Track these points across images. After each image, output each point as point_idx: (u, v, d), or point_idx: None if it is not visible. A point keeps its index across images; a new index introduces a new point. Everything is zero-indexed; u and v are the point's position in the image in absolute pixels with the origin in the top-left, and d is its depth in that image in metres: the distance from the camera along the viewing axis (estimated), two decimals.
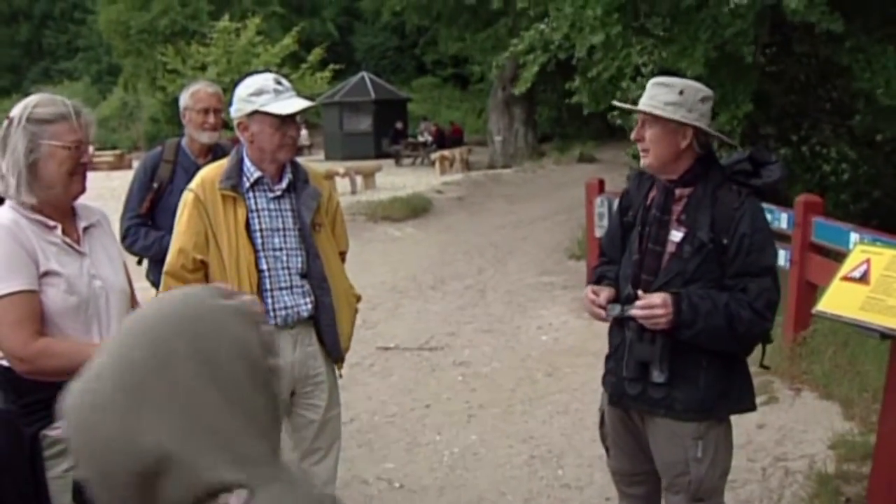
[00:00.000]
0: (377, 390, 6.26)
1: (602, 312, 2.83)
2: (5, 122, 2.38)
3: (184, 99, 4.28)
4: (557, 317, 8.14)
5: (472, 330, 7.89)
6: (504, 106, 26.34)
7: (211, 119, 4.21)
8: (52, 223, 2.44)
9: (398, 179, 21.98)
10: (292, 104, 3.03)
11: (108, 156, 32.61)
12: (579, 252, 10.71)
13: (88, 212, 2.63)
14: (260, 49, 22.05)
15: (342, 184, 19.61)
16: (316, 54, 22.03)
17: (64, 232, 2.47)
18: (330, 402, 3.31)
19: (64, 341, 2.38)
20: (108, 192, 17.56)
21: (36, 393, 2.34)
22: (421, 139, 30.38)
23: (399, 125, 31.38)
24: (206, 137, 4.24)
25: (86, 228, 2.57)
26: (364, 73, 34.15)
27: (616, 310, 2.78)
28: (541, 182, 19.80)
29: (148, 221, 4.26)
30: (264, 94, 3.01)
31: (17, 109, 2.38)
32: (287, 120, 3.04)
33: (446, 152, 25.76)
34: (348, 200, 16.74)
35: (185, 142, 4.33)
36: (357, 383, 6.39)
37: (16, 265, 2.32)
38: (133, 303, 2.73)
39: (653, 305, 2.64)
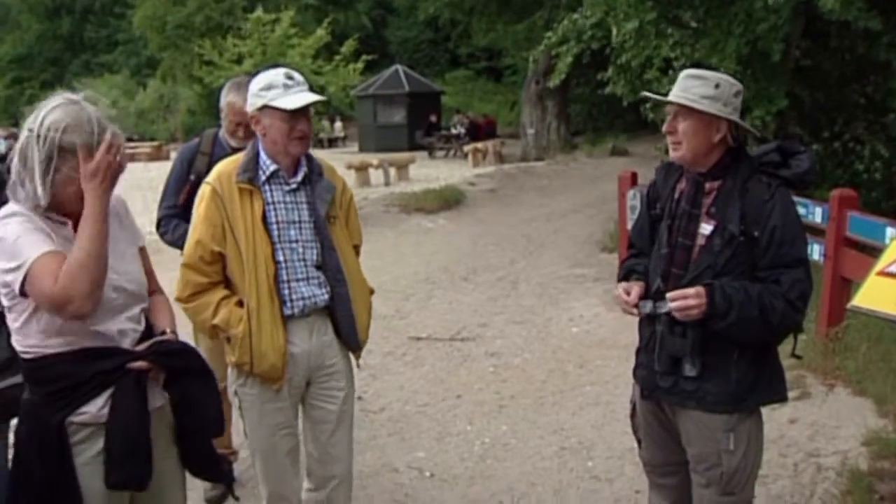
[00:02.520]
0: (409, 380, 6.30)
1: (634, 311, 2.84)
2: (25, 134, 2.35)
3: (223, 99, 4.27)
4: (589, 309, 8.13)
5: (503, 321, 7.90)
6: (537, 99, 26.21)
7: (241, 132, 4.20)
8: (62, 219, 2.42)
9: (431, 171, 22.00)
10: (301, 98, 3.04)
11: (146, 147, 33.09)
12: (611, 245, 10.68)
13: None
14: (294, 41, 22.10)
15: (376, 175, 19.70)
16: (349, 45, 22.06)
17: (75, 227, 2.42)
18: (346, 394, 3.34)
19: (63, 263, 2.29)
20: (145, 183, 17.80)
21: (58, 381, 2.38)
22: (454, 131, 30.32)
23: (432, 118, 31.35)
24: (234, 142, 4.24)
25: None
26: (398, 66, 34.17)
27: (647, 307, 2.79)
28: (573, 175, 19.73)
29: (183, 213, 4.29)
30: (274, 88, 3.03)
31: (37, 125, 2.33)
32: (297, 114, 3.05)
33: (479, 145, 25.70)
34: (382, 192, 16.84)
35: (222, 133, 4.36)
36: (389, 373, 6.44)
37: (39, 237, 2.31)
38: (153, 288, 2.70)
39: (686, 296, 2.64)
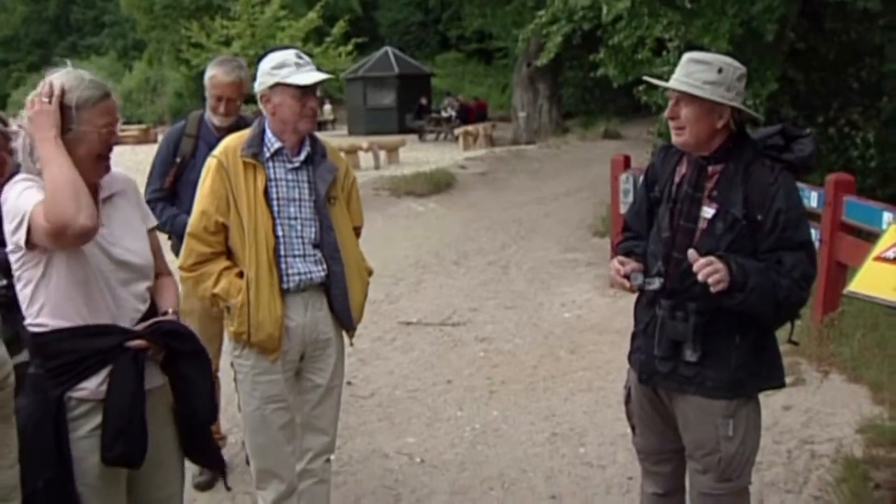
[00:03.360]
0: (399, 365, 6.25)
1: (626, 282, 2.77)
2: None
3: (206, 75, 4.26)
4: (581, 294, 8.09)
5: (494, 306, 7.85)
6: (528, 81, 26.12)
7: (222, 108, 4.19)
8: None
9: (421, 154, 21.91)
10: (312, 76, 3.16)
11: (133, 130, 32.81)
12: (603, 229, 10.63)
13: (112, 182, 2.64)
14: (284, 23, 21.99)
15: (365, 158, 19.58)
16: (339, 27, 21.97)
17: None
18: (335, 369, 3.42)
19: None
20: (133, 166, 17.66)
21: (58, 357, 2.44)
22: (444, 114, 30.19)
23: (423, 100, 31.21)
24: (216, 120, 4.24)
25: (106, 199, 2.59)
26: (388, 48, 33.93)
27: (639, 279, 2.73)
28: (565, 158, 19.66)
29: (170, 196, 4.25)
30: (286, 67, 3.14)
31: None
32: (307, 91, 3.16)
33: (470, 128, 25.63)
34: (372, 175, 16.73)
35: (207, 115, 4.31)
36: (378, 358, 6.39)
37: (36, 192, 2.37)
38: (160, 269, 2.76)
39: (712, 261, 2.55)
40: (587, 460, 4.59)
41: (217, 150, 3.26)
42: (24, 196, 2.36)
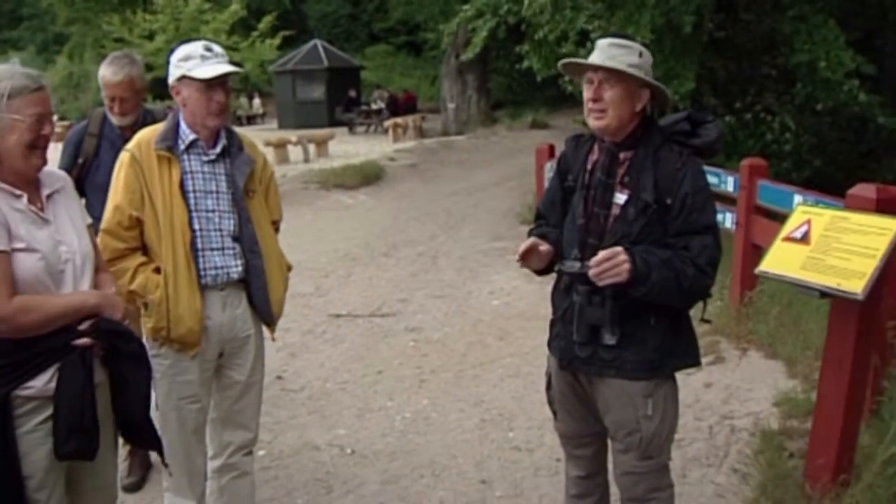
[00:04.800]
0: (329, 357, 6.24)
1: (539, 262, 2.86)
2: None
3: (98, 75, 4.10)
4: (509, 281, 8.18)
5: (423, 296, 7.89)
6: (457, 73, 26.20)
7: (116, 108, 4.04)
8: (17, 192, 2.48)
9: (351, 147, 21.81)
10: (215, 69, 3.07)
11: (56, 126, 31.90)
12: (530, 217, 10.67)
13: (52, 178, 2.66)
14: (208, 16, 21.62)
15: (295, 152, 19.41)
16: (267, 21, 21.68)
17: (29, 200, 2.51)
18: (255, 365, 3.37)
19: (36, 297, 2.43)
20: (53, 164, 17.24)
21: (5, 356, 2.41)
22: (374, 107, 30.11)
23: (352, 93, 31.07)
24: (115, 120, 4.09)
25: (49, 195, 2.61)
26: (317, 41, 33.64)
27: (576, 266, 2.72)
28: (493, 149, 19.78)
29: None
30: (191, 59, 3.08)
31: None
32: (213, 85, 3.09)
33: (399, 120, 25.57)
34: (301, 169, 16.61)
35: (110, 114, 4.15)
36: (308, 350, 6.37)
37: None
38: (98, 265, 2.75)
39: (615, 254, 2.59)
40: (516, 444, 4.65)
41: (130, 144, 3.18)
42: None
